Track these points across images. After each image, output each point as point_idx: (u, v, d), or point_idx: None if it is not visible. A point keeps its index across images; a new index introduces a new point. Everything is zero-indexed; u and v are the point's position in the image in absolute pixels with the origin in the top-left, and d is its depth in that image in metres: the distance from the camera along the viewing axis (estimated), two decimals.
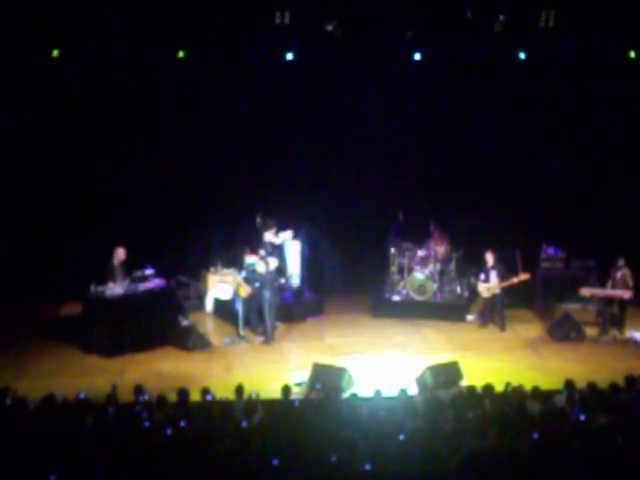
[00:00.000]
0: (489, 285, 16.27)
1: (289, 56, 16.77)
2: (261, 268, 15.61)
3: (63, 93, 17.04)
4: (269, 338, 15.55)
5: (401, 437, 9.41)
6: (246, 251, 16.61)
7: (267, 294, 15.50)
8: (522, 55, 17.08)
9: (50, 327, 15.96)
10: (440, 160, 18.53)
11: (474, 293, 17.00)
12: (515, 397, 10.93)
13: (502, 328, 16.27)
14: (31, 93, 16.82)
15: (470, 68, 17.74)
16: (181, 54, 16.50)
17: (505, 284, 16.20)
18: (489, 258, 16.34)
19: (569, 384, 11.26)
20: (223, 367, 14.40)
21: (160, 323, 15.35)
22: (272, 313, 15.57)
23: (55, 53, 16.06)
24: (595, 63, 17.40)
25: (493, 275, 16.24)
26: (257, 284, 15.62)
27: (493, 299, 16.36)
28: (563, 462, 8.78)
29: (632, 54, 17.06)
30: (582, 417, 10.12)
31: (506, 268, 16.36)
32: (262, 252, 16.39)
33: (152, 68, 17.02)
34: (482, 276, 16.41)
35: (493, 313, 16.47)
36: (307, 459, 8.98)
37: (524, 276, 16.13)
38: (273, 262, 16.08)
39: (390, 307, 17.23)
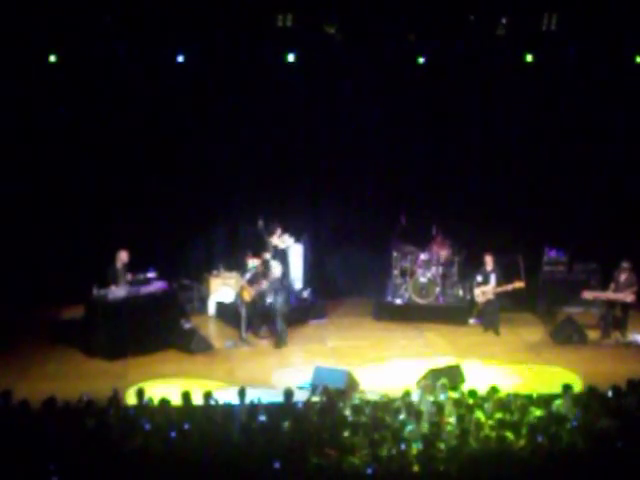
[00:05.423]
0: (484, 289, 16.25)
1: (290, 57, 16.77)
2: (277, 272, 15.68)
3: (64, 95, 17.03)
4: (283, 341, 15.54)
5: (402, 442, 9.43)
6: (248, 254, 16.61)
7: (280, 298, 15.52)
8: (529, 58, 17.06)
9: (52, 330, 15.92)
10: (443, 163, 18.51)
11: None
12: (517, 401, 10.92)
13: (496, 332, 16.24)
14: (32, 95, 16.81)
15: (472, 71, 17.72)
16: (182, 57, 16.52)
17: (499, 290, 16.18)
18: (488, 261, 16.33)
19: (567, 388, 11.26)
20: (225, 370, 14.40)
21: (162, 326, 15.34)
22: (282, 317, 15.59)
23: (52, 58, 16.07)
24: (599, 67, 17.40)
25: (492, 278, 16.23)
26: (265, 286, 15.70)
27: (487, 303, 16.35)
28: (563, 466, 8.78)
29: (638, 59, 17.06)
30: (581, 421, 10.12)
31: (508, 272, 16.35)
32: (267, 256, 16.43)
33: (153, 71, 17.01)
34: (479, 278, 16.39)
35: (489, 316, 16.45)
36: (309, 462, 8.99)
37: (519, 284, 16.10)
38: (277, 267, 16.05)
39: (392, 310, 17.22)
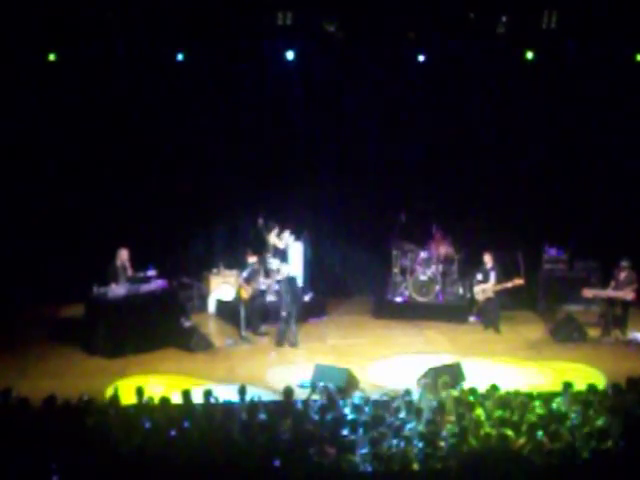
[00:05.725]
0: (484, 287, 16.28)
1: (290, 55, 16.77)
2: (284, 271, 15.69)
3: (64, 94, 17.02)
4: (290, 341, 15.54)
5: (401, 440, 9.43)
6: (248, 252, 16.62)
7: (287, 297, 15.49)
8: (530, 55, 17.06)
9: (52, 328, 15.95)
10: (442, 161, 18.52)
11: None
12: (517, 399, 10.91)
13: (497, 330, 16.26)
14: (31, 94, 16.80)
15: (472, 69, 17.72)
16: (182, 56, 16.52)
17: (499, 288, 16.21)
18: (487, 259, 16.36)
19: (567, 386, 11.26)
20: (225, 369, 14.40)
21: (162, 324, 15.35)
22: (290, 316, 15.58)
23: (52, 57, 16.06)
24: (599, 65, 17.39)
25: (492, 276, 16.26)
26: (264, 285, 15.73)
27: (487, 301, 16.37)
28: (563, 463, 8.78)
29: (639, 57, 17.05)
30: (580, 419, 10.12)
31: (509, 269, 16.36)
32: (268, 254, 16.43)
33: (152, 70, 17.01)
34: (479, 276, 16.44)
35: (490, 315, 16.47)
36: (309, 460, 8.99)
37: (518, 281, 16.13)
38: (284, 266, 16.02)
39: (392, 308, 17.25)
